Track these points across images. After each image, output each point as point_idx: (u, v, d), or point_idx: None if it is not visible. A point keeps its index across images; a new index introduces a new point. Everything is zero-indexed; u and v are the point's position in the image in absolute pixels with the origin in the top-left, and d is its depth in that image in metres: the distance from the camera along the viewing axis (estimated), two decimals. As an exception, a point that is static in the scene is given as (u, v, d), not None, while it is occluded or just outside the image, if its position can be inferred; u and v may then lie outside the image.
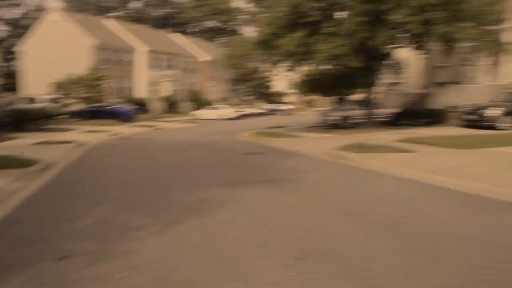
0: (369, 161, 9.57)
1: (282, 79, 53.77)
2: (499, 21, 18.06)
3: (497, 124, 17.56)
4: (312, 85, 23.59)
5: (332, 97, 26.32)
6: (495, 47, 18.19)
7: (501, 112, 17.80)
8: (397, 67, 21.44)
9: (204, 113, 36.39)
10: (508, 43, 19.29)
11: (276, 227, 5.04)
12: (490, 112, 17.94)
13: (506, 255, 4.08)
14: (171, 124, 27.99)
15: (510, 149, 10.85)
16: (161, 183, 8.00)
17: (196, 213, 5.68)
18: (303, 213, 5.64)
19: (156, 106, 39.48)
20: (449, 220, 5.26)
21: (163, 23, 65.75)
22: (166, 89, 42.43)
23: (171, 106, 41.04)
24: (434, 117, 21.33)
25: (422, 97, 26.12)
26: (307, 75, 23.06)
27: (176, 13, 72.57)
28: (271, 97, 52.00)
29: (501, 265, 3.86)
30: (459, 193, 6.67)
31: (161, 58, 44.55)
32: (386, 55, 19.29)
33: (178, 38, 53.54)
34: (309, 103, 51.11)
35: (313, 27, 17.41)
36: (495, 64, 22.92)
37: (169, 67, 45.37)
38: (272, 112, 43.57)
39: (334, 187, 7.31)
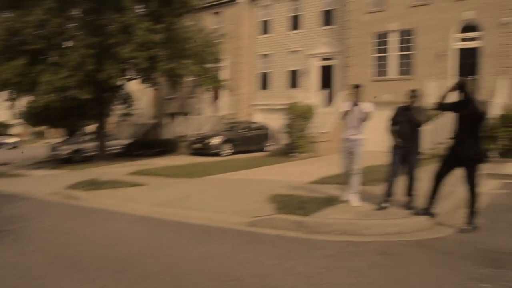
0: (101, 199, 9.25)
1: (5, 108, 47.94)
2: (216, 60, 20.21)
3: (220, 152, 19.48)
4: (40, 116, 21.79)
5: (64, 129, 24.81)
6: (213, 83, 20.21)
7: (222, 140, 19.84)
8: (129, 99, 21.69)
9: None
10: (223, 80, 21.73)
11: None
12: (213, 141, 19.76)
13: (223, 283, 4.43)
14: None
15: (230, 175, 12.12)
16: None
17: None
18: (23, 272, 4.99)
19: None
20: (177, 255, 5.44)
21: None
22: None
23: None
24: (166, 147, 22.29)
25: (155, 128, 27.04)
26: (33, 105, 21.18)
27: None
28: (-8, 128, 45.93)
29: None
30: (187, 224, 7.01)
31: None
32: (118, 87, 19.30)
33: None
34: (40, 135, 47.03)
35: (37, 56, 16.14)
36: (215, 97, 25.53)
37: None
38: (-7, 146, 38.46)
39: (62, 234, 6.75)
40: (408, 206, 7.03)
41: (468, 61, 18.29)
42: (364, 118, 7.44)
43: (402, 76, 19.74)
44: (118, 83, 18.40)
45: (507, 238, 5.80)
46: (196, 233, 6.51)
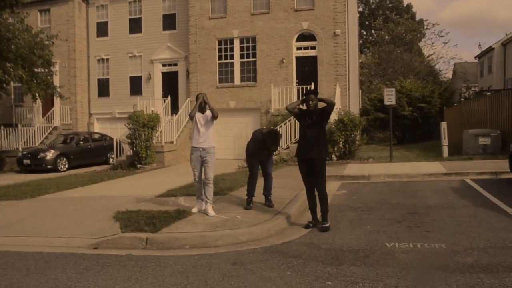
0: None
1: None
2: (46, 64, 18.87)
3: (55, 167, 18.20)
4: None
5: None
6: (43, 89, 18.83)
7: (57, 153, 18.57)
8: None
9: None
10: (55, 87, 20.40)
11: None
12: (47, 155, 18.38)
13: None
14: None
15: (69, 193, 11.41)
16: None
17: None
18: None
19: None
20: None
21: None
22: None
23: None
24: (-12, 164, 20.09)
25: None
26: None
27: None
28: None
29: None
30: (21, 254, 6.40)
31: None
32: None
33: None
34: None
35: None
36: (48, 106, 23.78)
37: None
38: None
39: None
40: (268, 205, 8.09)
41: (308, 68, 20.01)
42: (210, 125, 7.87)
43: (246, 83, 20.74)
44: None
45: (347, 236, 6.52)
46: (32, 262, 6.01)
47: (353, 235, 6.59)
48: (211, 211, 7.70)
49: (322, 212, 7.05)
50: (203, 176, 7.88)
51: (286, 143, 17.04)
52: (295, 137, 16.82)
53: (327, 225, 6.94)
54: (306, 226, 7.13)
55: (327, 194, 7.06)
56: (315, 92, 7.11)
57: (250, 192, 8.19)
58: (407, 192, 10.24)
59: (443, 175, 12.18)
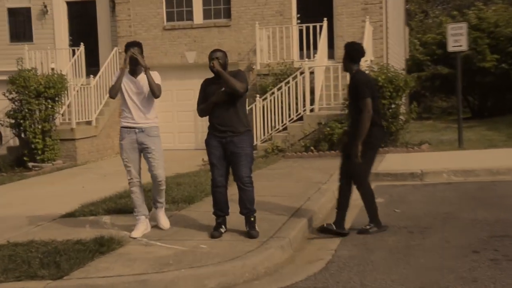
0: None
1: None
2: None
3: None
4: None
5: None
6: None
7: None
8: None
9: None
10: None
11: None
12: None
13: None
14: None
15: None
16: None
17: None
18: None
19: None
20: None
21: None
22: None
23: None
24: None
25: None
26: None
27: None
28: None
29: None
30: None
31: None
32: None
33: None
34: None
35: None
36: None
37: None
38: None
39: None
40: (248, 233, 7.66)
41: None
42: (155, 93, 7.82)
43: (214, 21, 20.60)
44: None
45: (386, 276, 6.44)
46: None
47: (396, 274, 6.58)
48: (165, 222, 8.08)
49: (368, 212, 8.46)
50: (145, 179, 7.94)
51: (282, 122, 17.00)
52: (296, 111, 16.79)
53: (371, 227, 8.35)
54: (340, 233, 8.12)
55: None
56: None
57: (218, 206, 7.87)
58: (489, 200, 10.28)
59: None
